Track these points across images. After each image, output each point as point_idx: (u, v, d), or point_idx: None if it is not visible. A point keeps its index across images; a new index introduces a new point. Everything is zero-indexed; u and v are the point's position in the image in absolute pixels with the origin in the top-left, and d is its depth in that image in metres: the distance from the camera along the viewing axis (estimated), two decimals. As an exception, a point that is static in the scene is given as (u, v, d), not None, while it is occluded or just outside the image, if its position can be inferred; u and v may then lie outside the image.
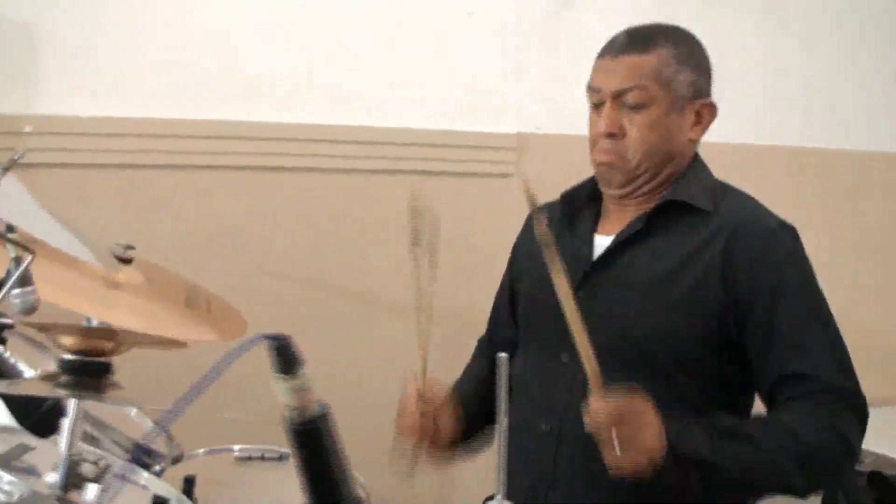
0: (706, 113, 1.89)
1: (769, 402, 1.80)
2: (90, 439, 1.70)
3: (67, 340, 1.21)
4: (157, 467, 1.81)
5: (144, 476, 1.62)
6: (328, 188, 3.02)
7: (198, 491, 1.88)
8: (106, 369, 1.24)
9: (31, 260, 1.47)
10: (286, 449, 2.12)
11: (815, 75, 3.57)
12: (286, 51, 2.96)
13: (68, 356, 1.20)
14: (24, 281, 1.57)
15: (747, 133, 3.49)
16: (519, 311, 2.06)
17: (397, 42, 3.07)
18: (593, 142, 1.90)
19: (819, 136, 3.59)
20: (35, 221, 1.52)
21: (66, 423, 1.15)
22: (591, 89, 1.90)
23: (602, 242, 1.91)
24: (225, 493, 1.97)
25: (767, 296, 1.76)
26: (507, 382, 1.26)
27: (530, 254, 1.99)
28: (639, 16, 3.29)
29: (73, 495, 1.15)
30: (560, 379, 1.85)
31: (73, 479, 1.15)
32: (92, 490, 1.24)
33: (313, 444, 0.98)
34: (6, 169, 1.47)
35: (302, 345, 2.87)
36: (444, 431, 1.93)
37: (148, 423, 2.03)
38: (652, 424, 1.62)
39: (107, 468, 1.26)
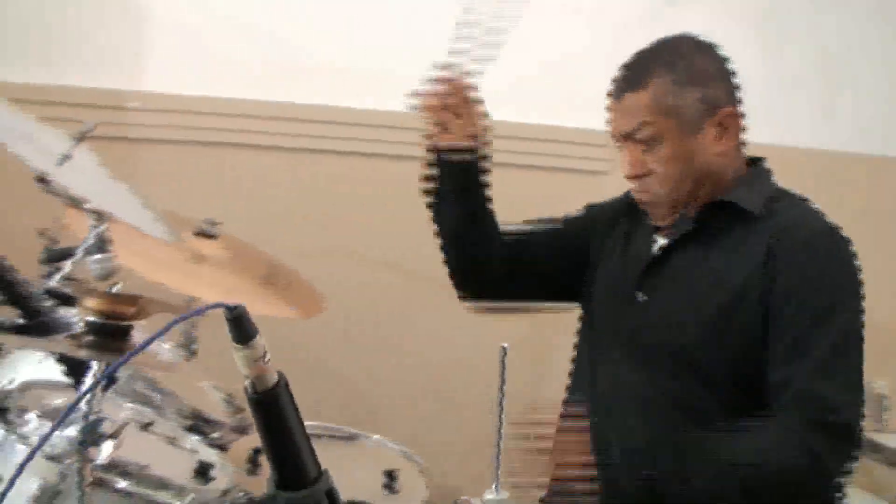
0: (730, 121, 1.82)
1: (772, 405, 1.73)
2: (150, 403, 1.76)
3: (92, 303, 1.25)
4: (216, 434, 1.84)
5: (190, 439, 1.65)
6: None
7: (264, 463, 1.91)
8: (126, 332, 1.28)
9: (104, 228, 1.52)
10: (356, 429, 2.15)
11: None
12: (400, 40, 2.98)
13: (92, 318, 1.23)
14: (103, 248, 1.62)
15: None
16: (594, 295, 2.03)
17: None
18: (627, 181, 1.89)
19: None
20: (103, 193, 1.56)
21: (86, 382, 1.19)
22: (607, 131, 1.89)
23: (660, 244, 1.90)
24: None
25: (787, 298, 1.70)
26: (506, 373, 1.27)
27: (614, 240, 2.02)
28: (746, 13, 3.29)
29: (90, 451, 1.20)
30: (607, 376, 1.88)
31: (91, 436, 1.19)
32: (108, 447, 1.28)
33: (271, 413, 1.00)
34: (78, 141, 1.51)
35: (388, 327, 2.97)
36: (463, 123, 1.92)
37: (216, 395, 2.07)
38: None
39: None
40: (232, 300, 1.76)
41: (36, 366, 1.66)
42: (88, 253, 1.63)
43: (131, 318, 1.29)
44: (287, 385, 1.02)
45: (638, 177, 1.83)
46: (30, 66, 2.78)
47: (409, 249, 3.00)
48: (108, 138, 2.76)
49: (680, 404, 1.75)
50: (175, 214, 2.27)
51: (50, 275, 1.84)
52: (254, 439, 1.98)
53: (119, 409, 1.65)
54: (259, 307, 2.14)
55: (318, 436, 2.12)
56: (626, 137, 1.82)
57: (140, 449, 1.50)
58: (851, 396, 1.69)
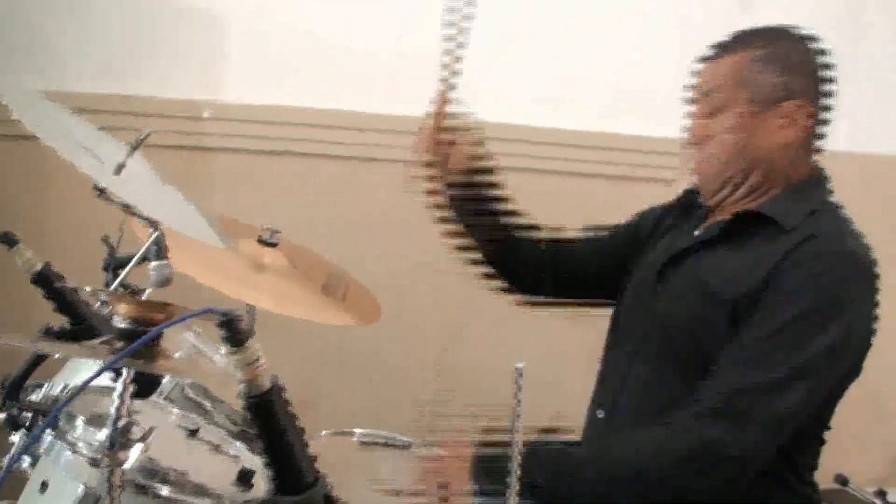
0: (801, 115, 1.78)
1: None
2: (200, 409, 1.79)
3: (123, 308, 1.27)
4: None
5: (236, 446, 1.68)
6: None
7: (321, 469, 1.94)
8: (155, 338, 1.31)
9: (157, 233, 1.55)
10: (410, 438, 2.16)
11: None
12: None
13: (122, 323, 1.26)
14: (160, 255, 1.67)
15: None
16: (625, 288, 2.04)
17: (569, 40, 3.05)
18: (684, 150, 1.89)
19: None
20: (158, 201, 1.60)
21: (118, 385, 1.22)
22: (685, 92, 1.89)
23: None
24: (343, 477, 2.01)
25: (765, 304, 1.67)
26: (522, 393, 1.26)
27: (656, 237, 2.05)
28: (821, 16, 3.20)
29: (120, 454, 1.22)
30: (618, 369, 1.90)
31: (121, 440, 1.22)
32: (136, 451, 1.31)
33: (266, 416, 1.02)
34: (134, 148, 1.56)
35: (450, 336, 2.98)
36: (456, 157, 2.01)
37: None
38: None
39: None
40: (285, 307, 1.80)
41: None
42: (146, 260, 1.69)
43: (160, 323, 1.31)
44: (282, 390, 1.04)
45: (697, 140, 1.84)
46: (103, 77, 2.86)
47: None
48: (180, 147, 2.88)
49: (682, 400, 1.70)
50: (236, 222, 2.33)
51: (109, 282, 1.89)
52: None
53: (167, 415, 1.69)
54: (318, 315, 2.18)
55: (374, 443, 2.14)
56: (701, 96, 1.83)
57: (182, 455, 1.53)
58: (756, 433, 1.62)
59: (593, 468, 1.70)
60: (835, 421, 1.76)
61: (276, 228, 2.21)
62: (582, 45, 3.07)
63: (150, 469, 1.38)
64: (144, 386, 1.44)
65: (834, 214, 1.80)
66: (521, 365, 1.23)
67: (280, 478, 1.03)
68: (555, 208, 2.91)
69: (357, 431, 2.15)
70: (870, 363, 1.76)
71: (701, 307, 1.77)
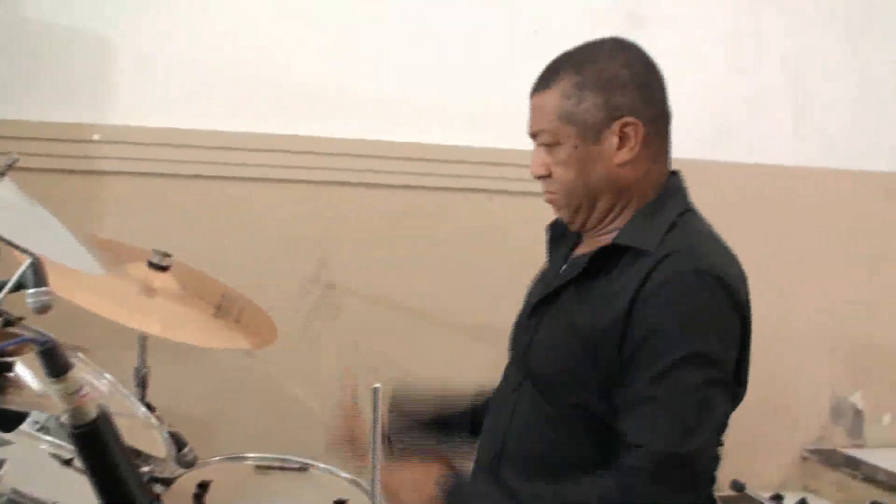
0: (632, 131, 1.73)
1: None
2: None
3: None
4: (149, 468, 1.85)
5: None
6: (391, 203, 3.05)
7: (213, 497, 1.90)
8: (6, 368, 1.28)
9: (31, 263, 1.51)
10: (308, 459, 2.14)
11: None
12: (350, 67, 3.00)
13: None
14: (38, 281, 1.62)
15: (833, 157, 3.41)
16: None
17: (460, 60, 3.07)
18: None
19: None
20: (29, 226, 1.56)
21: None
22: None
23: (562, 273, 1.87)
24: (240, 501, 1.99)
25: (637, 341, 1.63)
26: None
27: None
28: (712, 34, 3.29)
29: None
30: (505, 407, 1.85)
31: None
32: None
33: (92, 446, 0.99)
34: (1, 174, 1.52)
35: (352, 356, 2.97)
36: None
37: (158, 430, 2.06)
38: None
39: None
40: (175, 332, 1.77)
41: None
42: (22, 287, 1.63)
43: (11, 353, 1.28)
44: (109, 418, 1.01)
45: (541, 177, 1.79)
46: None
47: (374, 275, 3.03)
48: (70, 171, 2.82)
49: (557, 427, 1.73)
50: (125, 246, 2.29)
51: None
52: (200, 473, 1.98)
53: (38, 445, 1.64)
54: (209, 339, 2.16)
55: (270, 466, 2.11)
56: (534, 138, 1.79)
57: (53, 484, 1.49)
58: (695, 444, 1.61)
59: None
60: (731, 428, 1.76)
61: (165, 252, 2.18)
62: (474, 63, 3.10)
63: (15, 501, 1.34)
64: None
65: (685, 228, 1.75)
66: (377, 386, 1.26)
67: (109, 506, 1.00)
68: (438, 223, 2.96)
69: (251, 455, 2.12)
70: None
71: (568, 351, 1.73)
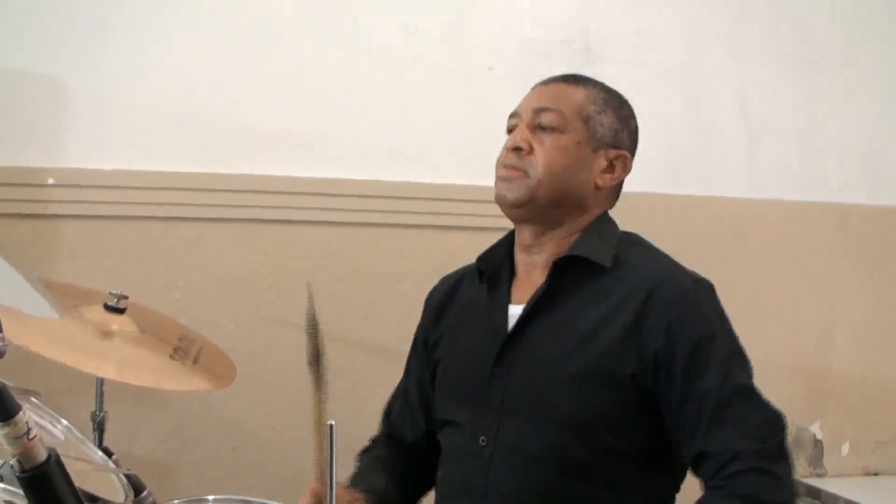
0: (620, 165, 1.85)
1: (698, 476, 1.73)
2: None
3: None
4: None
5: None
6: (340, 240, 3.05)
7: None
8: None
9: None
10: (269, 500, 2.10)
11: (854, 127, 3.48)
12: (301, 106, 2.99)
13: None
14: (-9, 328, 1.59)
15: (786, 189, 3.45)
16: (440, 386, 1.98)
17: (415, 96, 3.08)
18: (498, 163, 1.85)
19: (861, 192, 3.51)
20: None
21: None
22: (511, 116, 1.88)
23: (515, 312, 1.84)
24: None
25: (684, 361, 1.70)
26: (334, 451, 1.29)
27: (453, 322, 1.99)
28: (665, 69, 3.33)
29: None
30: (477, 462, 1.80)
31: None
32: None
33: (42, 491, 0.98)
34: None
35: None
36: None
37: (114, 475, 2.03)
38: None
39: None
40: (133, 375, 1.74)
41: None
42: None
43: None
44: (59, 461, 0.99)
45: (517, 149, 1.80)
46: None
47: (332, 312, 3.00)
48: (24, 216, 2.79)
49: (563, 458, 1.72)
50: (80, 289, 2.27)
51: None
52: (159, 517, 1.97)
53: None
54: (166, 381, 2.13)
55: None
56: (532, 115, 1.82)
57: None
58: (779, 435, 1.71)
59: None
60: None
61: (122, 294, 2.16)
62: (429, 99, 3.11)
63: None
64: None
65: (640, 246, 1.87)
66: (331, 423, 1.29)
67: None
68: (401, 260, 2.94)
69: (210, 498, 2.09)
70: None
71: (556, 383, 1.75)
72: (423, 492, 2.02)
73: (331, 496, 1.40)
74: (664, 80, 3.35)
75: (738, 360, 1.74)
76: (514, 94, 2.07)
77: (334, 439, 1.29)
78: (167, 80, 2.90)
